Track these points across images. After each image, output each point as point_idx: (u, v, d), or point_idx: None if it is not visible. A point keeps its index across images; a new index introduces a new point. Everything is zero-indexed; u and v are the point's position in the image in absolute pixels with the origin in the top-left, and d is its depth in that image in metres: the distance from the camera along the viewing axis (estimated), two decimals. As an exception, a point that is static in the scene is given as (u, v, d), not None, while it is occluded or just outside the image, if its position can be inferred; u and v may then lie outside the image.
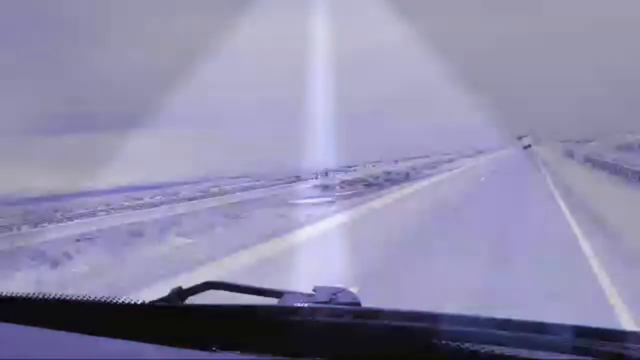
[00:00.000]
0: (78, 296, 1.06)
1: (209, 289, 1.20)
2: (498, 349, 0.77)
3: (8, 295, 1.13)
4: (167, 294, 1.13)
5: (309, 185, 27.43)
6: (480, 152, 71.46)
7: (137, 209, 21.83)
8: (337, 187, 25.78)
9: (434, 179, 29.71)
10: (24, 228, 17.44)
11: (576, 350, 0.78)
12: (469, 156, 60.62)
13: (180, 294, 1.13)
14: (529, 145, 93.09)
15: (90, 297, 1.06)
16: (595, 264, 6.50)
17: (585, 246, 7.63)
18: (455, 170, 36.46)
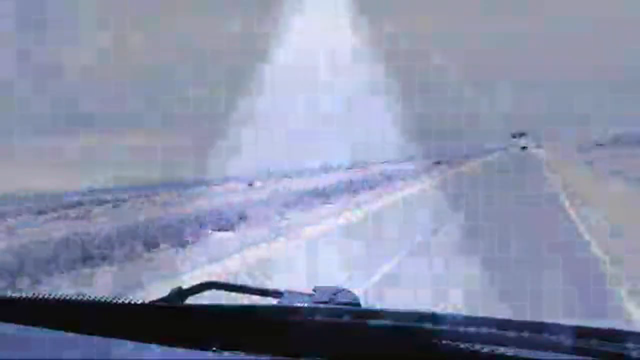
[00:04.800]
0: (78, 296, 1.06)
1: (209, 289, 1.21)
2: (498, 349, 0.77)
3: (8, 295, 1.13)
4: (167, 294, 1.13)
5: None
6: (466, 156, 57.32)
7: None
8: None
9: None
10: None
11: (576, 350, 0.78)
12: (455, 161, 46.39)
13: (180, 294, 1.13)
14: (526, 147, 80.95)
15: (90, 297, 1.06)
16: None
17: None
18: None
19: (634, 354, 0.76)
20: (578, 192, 14.42)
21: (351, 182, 22.57)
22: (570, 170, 25.23)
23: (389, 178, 26.18)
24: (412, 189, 20.96)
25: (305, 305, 1.05)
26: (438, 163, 42.19)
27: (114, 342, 0.92)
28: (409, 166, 32.63)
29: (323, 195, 17.95)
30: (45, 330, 0.98)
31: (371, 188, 21.61)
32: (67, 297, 1.08)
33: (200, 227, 11.27)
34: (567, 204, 12.40)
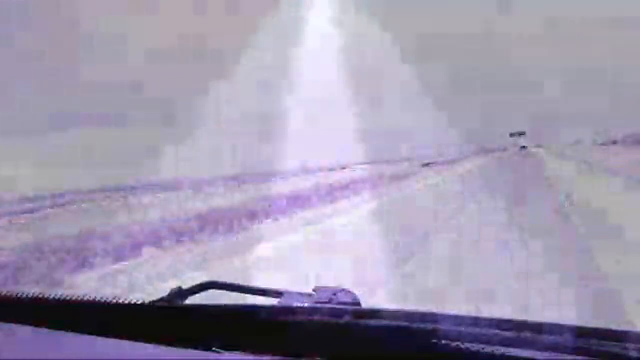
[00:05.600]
0: (78, 296, 1.06)
1: (209, 289, 1.21)
2: (498, 349, 0.77)
3: (8, 295, 1.13)
4: (167, 294, 1.13)
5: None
6: (466, 157, 56.15)
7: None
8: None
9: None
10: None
11: (576, 350, 0.78)
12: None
13: (180, 294, 1.13)
14: (525, 147, 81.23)
15: (90, 297, 1.06)
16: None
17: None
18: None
19: (634, 354, 0.76)
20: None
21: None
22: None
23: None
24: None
25: (306, 305, 1.05)
26: (427, 165, 41.30)
27: (114, 342, 0.92)
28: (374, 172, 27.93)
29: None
30: (45, 330, 0.98)
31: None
32: (67, 297, 1.08)
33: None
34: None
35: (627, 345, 0.79)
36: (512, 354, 0.77)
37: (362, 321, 0.93)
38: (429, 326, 0.87)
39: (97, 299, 1.05)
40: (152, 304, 1.07)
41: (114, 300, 1.03)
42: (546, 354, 0.78)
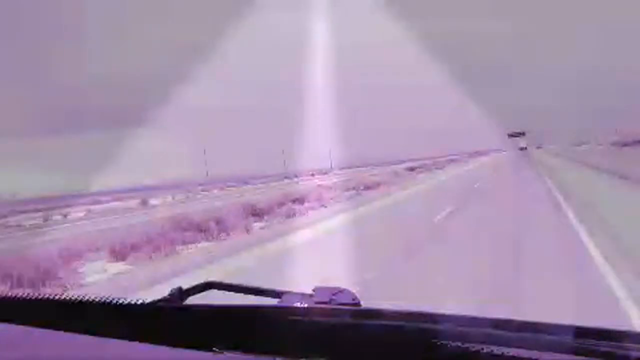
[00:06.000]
0: (78, 296, 1.06)
1: (209, 289, 1.20)
2: (498, 349, 0.77)
3: (8, 295, 1.13)
4: (167, 294, 1.13)
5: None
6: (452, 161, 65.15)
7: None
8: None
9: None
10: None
11: (576, 350, 0.78)
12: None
13: (181, 294, 1.13)
14: (525, 148, 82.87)
15: (90, 297, 1.06)
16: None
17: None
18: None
19: (634, 354, 0.76)
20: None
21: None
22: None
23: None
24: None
25: (305, 305, 1.04)
26: (412, 169, 44.82)
27: (114, 342, 0.92)
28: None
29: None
30: (45, 330, 0.98)
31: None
32: (67, 297, 1.08)
33: None
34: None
35: (627, 345, 0.79)
36: (512, 354, 0.77)
37: (362, 321, 0.93)
38: (429, 326, 0.87)
39: (97, 299, 1.05)
40: (153, 304, 1.07)
41: (114, 300, 1.03)
42: (546, 354, 0.78)
